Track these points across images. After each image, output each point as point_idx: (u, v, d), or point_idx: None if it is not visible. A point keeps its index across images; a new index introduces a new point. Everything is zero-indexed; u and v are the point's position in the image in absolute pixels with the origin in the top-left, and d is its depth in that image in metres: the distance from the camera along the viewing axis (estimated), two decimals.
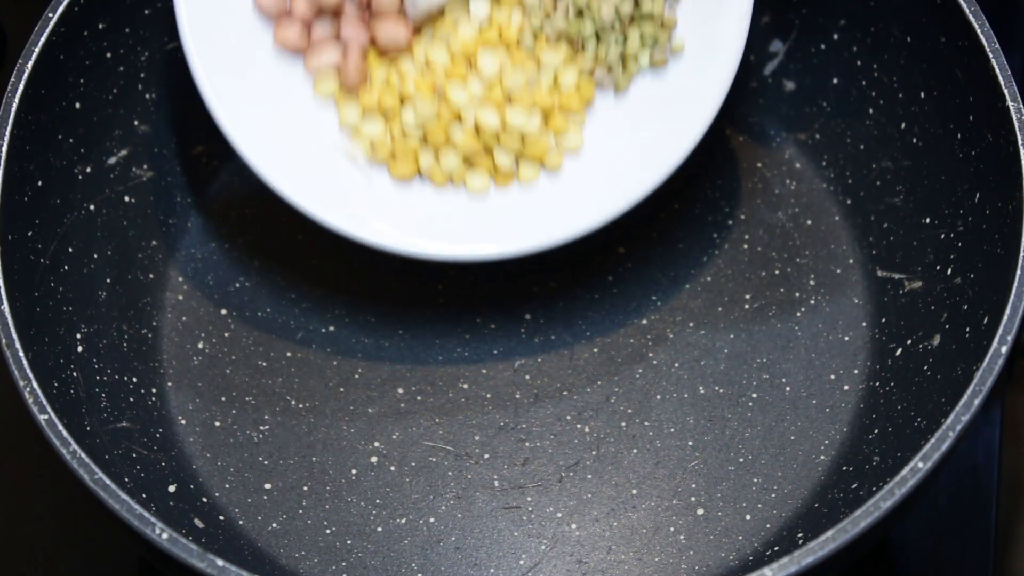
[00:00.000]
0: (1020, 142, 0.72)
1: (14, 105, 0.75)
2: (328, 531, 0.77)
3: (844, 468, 0.77)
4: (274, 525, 0.77)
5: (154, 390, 0.81)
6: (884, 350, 0.80)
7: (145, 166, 0.85)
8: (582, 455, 0.79)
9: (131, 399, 0.79)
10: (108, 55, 0.82)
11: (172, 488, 0.77)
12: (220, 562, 0.64)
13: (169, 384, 0.81)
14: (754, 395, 0.81)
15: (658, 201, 0.87)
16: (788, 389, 0.81)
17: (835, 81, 0.87)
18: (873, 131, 0.85)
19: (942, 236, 0.80)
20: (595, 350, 0.82)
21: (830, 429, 0.79)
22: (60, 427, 0.68)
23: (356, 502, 0.78)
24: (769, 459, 0.79)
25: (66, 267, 0.78)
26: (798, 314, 0.83)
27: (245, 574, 0.64)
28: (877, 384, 0.80)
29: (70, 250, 0.79)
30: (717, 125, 0.89)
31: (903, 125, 0.83)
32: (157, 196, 0.86)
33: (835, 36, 0.86)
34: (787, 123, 0.89)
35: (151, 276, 0.84)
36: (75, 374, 0.75)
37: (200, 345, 0.83)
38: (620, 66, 0.80)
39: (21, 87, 0.75)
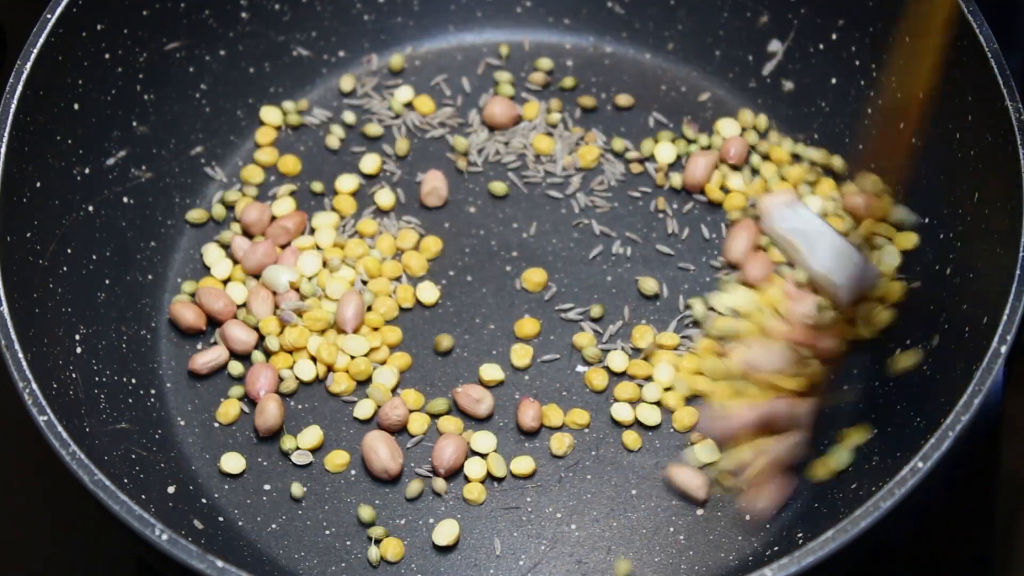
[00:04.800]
0: (1019, 142, 0.72)
1: (12, 106, 0.75)
2: (328, 531, 0.77)
3: (844, 468, 0.77)
4: (273, 526, 0.77)
5: (153, 391, 0.81)
6: (884, 350, 0.80)
7: (144, 167, 0.85)
8: (582, 455, 0.79)
9: (130, 400, 0.79)
10: (106, 56, 0.82)
11: (171, 489, 0.76)
12: (220, 563, 0.64)
13: (168, 385, 0.81)
14: None
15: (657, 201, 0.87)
16: None
17: (834, 81, 0.87)
18: (872, 131, 0.85)
19: (941, 236, 0.80)
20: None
21: (830, 429, 0.79)
22: (59, 428, 0.68)
23: (356, 502, 0.78)
24: None
25: (65, 268, 0.78)
26: None
27: (244, 575, 0.64)
28: (877, 384, 0.80)
29: (69, 251, 0.79)
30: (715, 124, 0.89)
31: (902, 125, 0.83)
32: (156, 197, 0.85)
33: (834, 36, 0.86)
34: (786, 123, 0.89)
35: (150, 277, 0.84)
36: (74, 375, 0.75)
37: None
38: None
39: (20, 88, 0.75)
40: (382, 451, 0.78)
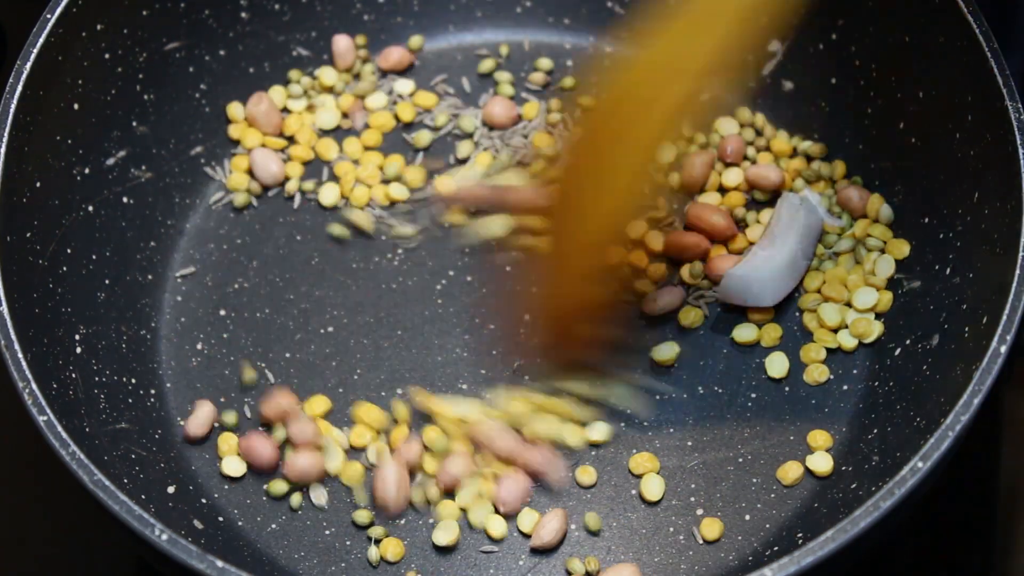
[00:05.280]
0: (1019, 142, 0.72)
1: (12, 106, 0.75)
2: (327, 531, 0.77)
3: (844, 468, 0.77)
4: (273, 526, 0.77)
5: (153, 391, 0.81)
6: (883, 350, 0.80)
7: (143, 167, 0.85)
8: (582, 455, 0.79)
9: (130, 400, 0.79)
10: (106, 56, 0.82)
11: (171, 489, 0.76)
12: (219, 563, 0.64)
13: (168, 385, 0.81)
14: (753, 395, 0.80)
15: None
16: (787, 389, 0.81)
17: (834, 81, 0.87)
18: (872, 131, 0.85)
19: (941, 236, 0.80)
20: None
21: (830, 429, 0.79)
22: (59, 428, 0.68)
23: (356, 503, 0.78)
24: (769, 459, 0.78)
25: (65, 268, 0.78)
26: (797, 314, 0.83)
27: (244, 575, 0.64)
28: (876, 384, 0.80)
29: (69, 251, 0.79)
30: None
31: (902, 125, 0.83)
32: (155, 197, 0.85)
33: (834, 36, 0.86)
34: (786, 123, 0.89)
35: (150, 277, 0.84)
36: (74, 375, 0.75)
37: (199, 346, 0.83)
38: None
39: (19, 88, 0.75)
40: (391, 487, 0.77)
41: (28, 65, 0.76)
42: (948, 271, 0.78)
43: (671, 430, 0.80)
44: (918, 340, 0.78)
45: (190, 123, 0.87)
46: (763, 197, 0.86)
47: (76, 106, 0.80)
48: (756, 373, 0.81)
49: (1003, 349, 0.68)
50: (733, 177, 0.86)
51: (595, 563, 0.75)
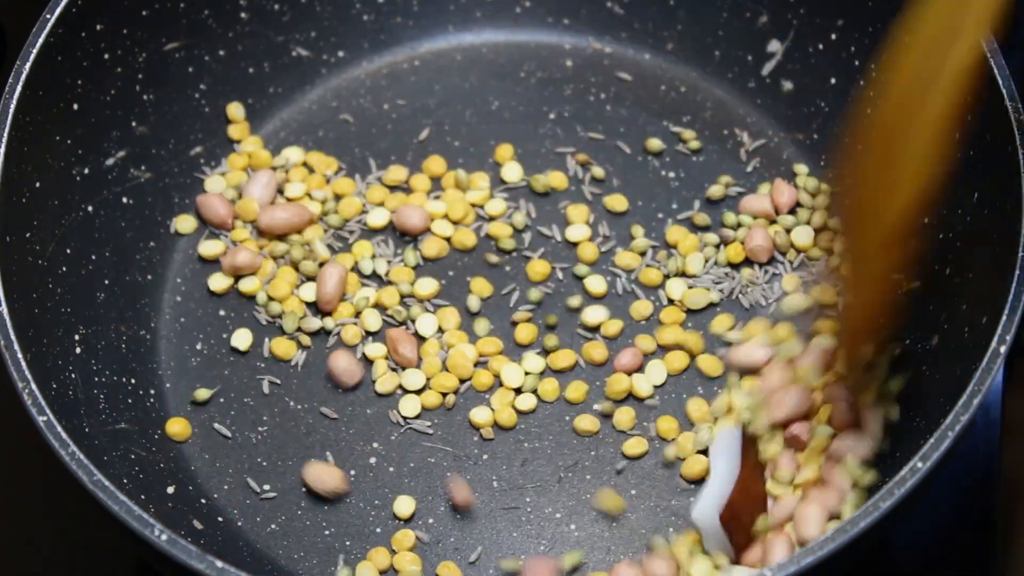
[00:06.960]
0: (1019, 142, 0.72)
1: (12, 106, 0.75)
2: (327, 532, 0.77)
3: None
4: (273, 526, 0.77)
5: (152, 391, 0.81)
6: (883, 350, 0.80)
7: (143, 167, 0.85)
8: (580, 455, 0.79)
9: (129, 400, 0.79)
10: (106, 56, 0.82)
11: (171, 489, 0.77)
12: (219, 563, 0.64)
13: (168, 385, 0.81)
14: None
15: (656, 202, 0.87)
16: None
17: (833, 81, 0.87)
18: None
19: (940, 236, 0.79)
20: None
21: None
22: (59, 428, 0.68)
23: (355, 503, 0.78)
24: None
25: (64, 268, 0.78)
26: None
27: (244, 575, 0.64)
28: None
29: (68, 251, 0.79)
30: (715, 124, 0.90)
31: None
32: (155, 197, 0.86)
33: (833, 36, 0.86)
34: (785, 123, 0.89)
35: (149, 277, 0.84)
36: (73, 375, 0.75)
37: (198, 346, 0.83)
38: None
39: (19, 88, 0.75)
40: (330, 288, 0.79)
41: (28, 65, 0.76)
42: (948, 271, 0.78)
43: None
44: (918, 340, 0.78)
45: (189, 123, 0.87)
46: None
47: (76, 106, 0.80)
48: None
49: (1003, 349, 0.68)
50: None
51: (578, 556, 0.75)
